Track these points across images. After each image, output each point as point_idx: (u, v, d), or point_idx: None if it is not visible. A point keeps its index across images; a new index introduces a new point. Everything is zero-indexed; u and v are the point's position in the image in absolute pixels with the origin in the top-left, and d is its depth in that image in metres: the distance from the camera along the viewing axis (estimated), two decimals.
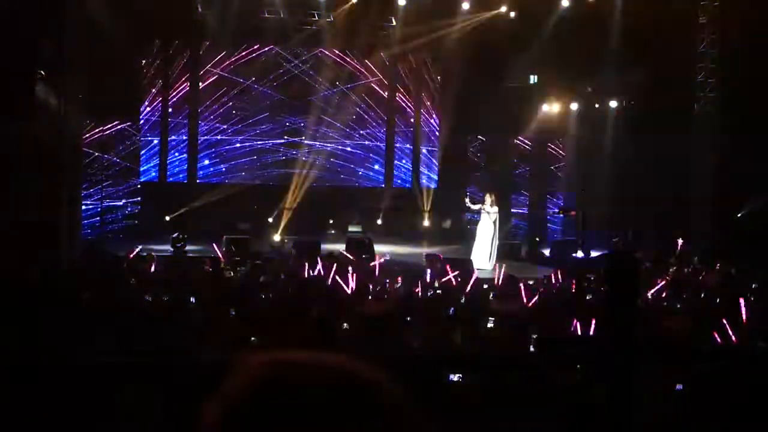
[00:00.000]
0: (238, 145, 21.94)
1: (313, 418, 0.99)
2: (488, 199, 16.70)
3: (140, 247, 15.11)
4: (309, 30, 20.82)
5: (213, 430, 1.02)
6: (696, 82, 18.01)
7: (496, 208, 16.63)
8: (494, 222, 16.55)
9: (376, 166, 23.08)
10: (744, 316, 8.66)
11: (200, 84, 21.38)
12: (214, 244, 15.60)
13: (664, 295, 10.99)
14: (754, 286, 11.20)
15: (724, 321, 7.86)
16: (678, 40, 17.85)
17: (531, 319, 8.43)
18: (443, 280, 12.02)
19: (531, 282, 12.31)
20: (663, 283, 11.78)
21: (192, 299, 9.04)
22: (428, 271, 13.20)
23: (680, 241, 16.82)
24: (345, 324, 7.72)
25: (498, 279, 12.40)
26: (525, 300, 10.09)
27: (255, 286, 10.71)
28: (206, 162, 21.85)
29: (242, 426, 1.00)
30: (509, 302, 9.69)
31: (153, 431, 4.44)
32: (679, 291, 11.12)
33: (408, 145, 23.45)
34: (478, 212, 16.85)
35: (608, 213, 19.57)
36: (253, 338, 7.15)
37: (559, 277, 12.61)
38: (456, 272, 12.30)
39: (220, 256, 14.73)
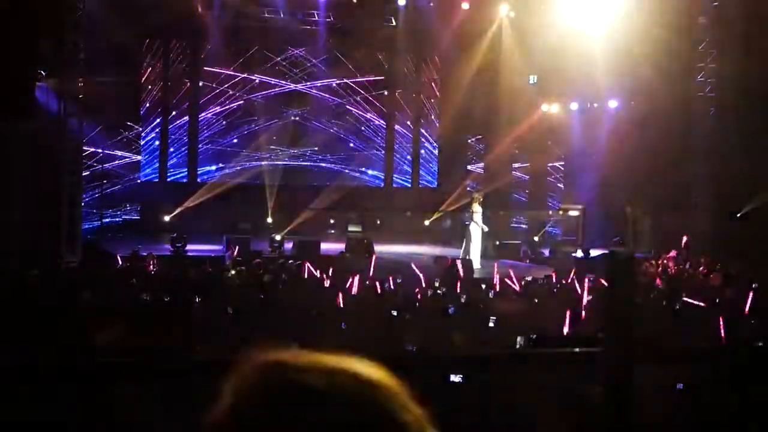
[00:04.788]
0: (235, 141, 21.95)
1: (316, 417, 1.00)
2: (479, 198, 16.64)
3: (140, 246, 15.11)
4: (309, 30, 20.81)
5: (218, 430, 1.02)
6: (696, 80, 18.00)
7: (480, 209, 16.59)
8: (482, 221, 16.54)
9: (376, 168, 23.09)
10: (747, 309, 8.66)
11: (200, 83, 21.37)
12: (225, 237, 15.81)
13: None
14: (754, 285, 11.19)
15: (721, 319, 7.86)
16: (678, 40, 17.83)
17: (531, 318, 8.43)
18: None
19: (530, 281, 12.32)
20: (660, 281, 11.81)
21: (197, 298, 9.04)
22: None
23: (684, 239, 16.83)
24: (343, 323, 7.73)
25: (496, 279, 12.40)
26: (525, 300, 10.10)
27: (255, 285, 10.72)
28: (213, 167, 21.84)
29: (248, 426, 1.01)
30: (510, 302, 9.71)
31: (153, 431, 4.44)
32: (679, 290, 11.12)
33: (408, 145, 23.45)
34: (469, 215, 16.77)
35: (608, 213, 19.56)
36: (255, 332, 7.16)
37: (560, 277, 12.62)
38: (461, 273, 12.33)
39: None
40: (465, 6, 19.91)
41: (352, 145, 22.69)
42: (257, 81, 21.57)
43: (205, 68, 21.19)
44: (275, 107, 21.87)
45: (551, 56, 20.01)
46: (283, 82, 21.73)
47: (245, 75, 21.41)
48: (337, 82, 22.01)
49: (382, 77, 22.30)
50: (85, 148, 17.61)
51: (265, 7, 19.79)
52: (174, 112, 21.43)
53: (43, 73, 16.07)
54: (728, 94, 17.63)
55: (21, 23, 14.83)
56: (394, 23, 20.99)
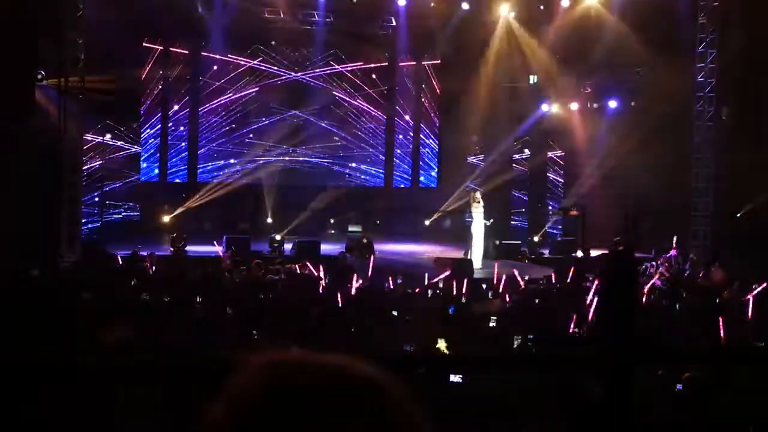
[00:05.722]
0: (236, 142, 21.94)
1: (316, 417, 1.00)
2: (478, 196, 16.55)
3: (140, 246, 15.11)
4: (308, 30, 20.80)
5: (218, 429, 1.02)
6: (696, 82, 17.99)
7: (482, 207, 16.49)
8: (484, 220, 16.45)
9: (376, 167, 23.09)
10: (749, 314, 8.66)
11: (200, 80, 21.36)
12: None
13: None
14: (754, 286, 11.19)
15: (720, 319, 7.87)
16: (678, 39, 17.82)
17: (530, 319, 8.44)
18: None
19: (529, 281, 12.32)
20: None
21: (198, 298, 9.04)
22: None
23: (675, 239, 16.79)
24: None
25: (496, 279, 12.39)
26: (507, 299, 10.09)
27: (255, 285, 10.72)
28: (211, 165, 21.84)
29: (249, 426, 1.01)
30: (490, 303, 9.74)
31: (154, 431, 4.43)
32: (678, 291, 11.13)
33: (408, 144, 23.46)
34: (470, 213, 16.68)
35: (608, 213, 19.55)
36: (255, 332, 7.17)
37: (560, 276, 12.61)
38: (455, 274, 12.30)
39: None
40: (465, 6, 19.89)
41: (350, 144, 22.68)
42: (261, 73, 21.52)
43: (204, 53, 21.05)
44: (275, 105, 21.84)
45: (551, 56, 20.04)
46: (284, 72, 21.70)
47: (246, 61, 21.33)
48: (332, 71, 21.98)
49: (384, 64, 22.21)
50: (86, 137, 17.63)
51: (264, 6, 19.76)
52: (174, 108, 21.38)
53: (43, 73, 16.06)
54: (728, 94, 17.62)
55: (21, 23, 14.83)
56: (394, 23, 20.98)
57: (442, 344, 6.96)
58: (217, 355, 5.73)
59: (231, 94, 21.57)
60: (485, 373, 5.13)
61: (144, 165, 21.21)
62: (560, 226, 22.21)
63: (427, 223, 22.17)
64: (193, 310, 8.62)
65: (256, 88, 21.64)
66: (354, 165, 22.82)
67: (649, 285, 11.82)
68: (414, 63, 22.69)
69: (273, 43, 21.16)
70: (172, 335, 6.90)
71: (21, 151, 14.93)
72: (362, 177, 22.93)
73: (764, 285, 10.79)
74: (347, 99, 22.40)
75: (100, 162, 19.51)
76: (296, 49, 21.58)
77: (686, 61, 17.92)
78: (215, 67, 21.24)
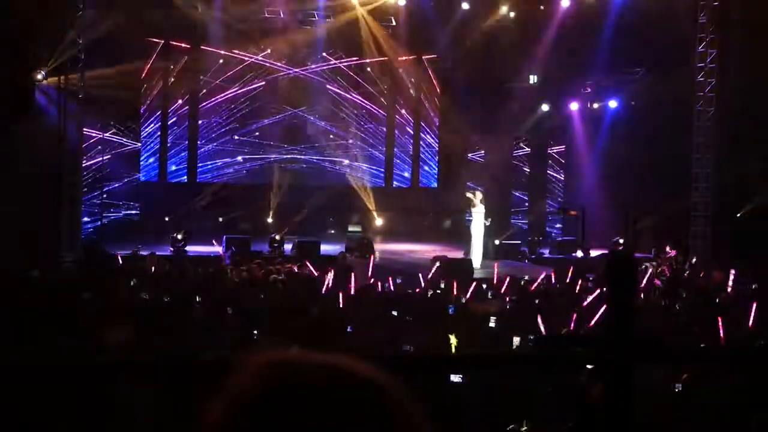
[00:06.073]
0: (237, 139, 21.94)
1: (315, 417, 1.00)
2: (478, 196, 16.56)
3: (140, 246, 15.12)
4: (309, 30, 20.81)
5: (217, 429, 1.02)
6: (696, 82, 17.97)
7: (482, 207, 16.49)
8: (484, 219, 16.46)
9: (377, 166, 23.09)
10: (751, 318, 8.66)
11: (201, 79, 21.35)
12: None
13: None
14: (754, 287, 11.20)
15: (720, 319, 7.87)
16: (678, 40, 17.82)
17: (530, 319, 8.43)
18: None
19: (529, 281, 12.31)
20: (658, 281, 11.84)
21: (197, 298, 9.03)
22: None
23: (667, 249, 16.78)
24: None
25: (496, 279, 12.39)
26: (506, 300, 10.09)
27: (255, 285, 10.72)
28: (213, 164, 21.84)
29: (247, 425, 1.01)
30: (489, 303, 9.74)
31: (153, 431, 4.44)
32: (677, 290, 11.14)
33: (408, 144, 23.45)
34: (471, 213, 16.69)
35: (608, 213, 19.56)
36: (255, 332, 7.17)
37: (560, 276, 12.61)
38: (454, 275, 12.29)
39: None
40: (465, 6, 19.89)
41: (350, 143, 22.68)
42: (260, 72, 21.50)
43: (203, 47, 20.99)
44: (275, 105, 21.83)
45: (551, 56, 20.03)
46: (285, 68, 21.69)
47: (248, 57, 21.28)
48: (331, 66, 21.96)
49: (385, 59, 22.15)
50: (85, 131, 17.62)
51: (265, 6, 19.76)
52: (174, 106, 21.37)
53: (44, 73, 16.07)
54: (728, 94, 17.61)
55: (21, 22, 14.83)
56: (394, 23, 20.98)
57: (453, 340, 7.00)
58: (217, 355, 5.73)
59: (231, 93, 21.57)
60: (485, 372, 5.14)
61: (145, 163, 21.21)
62: (560, 226, 22.22)
63: (425, 223, 22.19)
64: (193, 310, 8.62)
65: (256, 88, 21.65)
66: (354, 164, 22.80)
67: (648, 284, 11.84)
68: (414, 61, 22.66)
69: (272, 41, 21.14)
70: (172, 335, 6.90)
71: (21, 151, 14.93)
72: (362, 176, 22.90)
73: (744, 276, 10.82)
74: (347, 98, 22.40)
75: (103, 158, 19.48)
76: (296, 48, 21.55)
77: (686, 62, 17.91)
78: (219, 62, 21.20)
